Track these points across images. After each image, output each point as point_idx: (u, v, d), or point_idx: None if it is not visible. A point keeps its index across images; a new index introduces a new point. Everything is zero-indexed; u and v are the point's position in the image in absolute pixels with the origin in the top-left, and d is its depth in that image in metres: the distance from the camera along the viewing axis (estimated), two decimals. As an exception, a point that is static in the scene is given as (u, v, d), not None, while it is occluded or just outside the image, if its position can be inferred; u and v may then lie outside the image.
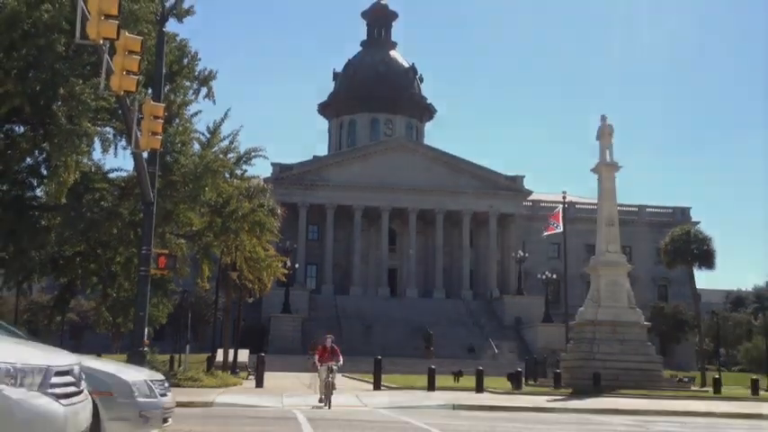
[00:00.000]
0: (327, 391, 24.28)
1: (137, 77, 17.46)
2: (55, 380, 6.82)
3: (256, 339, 75.89)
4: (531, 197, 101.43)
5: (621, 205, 61.30)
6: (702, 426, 22.27)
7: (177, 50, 30.11)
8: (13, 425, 6.33)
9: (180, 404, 15.83)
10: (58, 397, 6.77)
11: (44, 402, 6.60)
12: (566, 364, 43.37)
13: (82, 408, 7.42)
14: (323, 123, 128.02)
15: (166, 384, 11.95)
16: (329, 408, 23.48)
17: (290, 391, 33.86)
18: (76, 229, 29.11)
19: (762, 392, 42.83)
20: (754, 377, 45.53)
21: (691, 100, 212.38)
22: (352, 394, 30.60)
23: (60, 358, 7.19)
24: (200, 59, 31.28)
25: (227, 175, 32.98)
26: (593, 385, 37.05)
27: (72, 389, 7.11)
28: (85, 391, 7.67)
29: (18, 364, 6.56)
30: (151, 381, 11.26)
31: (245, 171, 35.43)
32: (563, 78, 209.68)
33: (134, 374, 11.15)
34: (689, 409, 27.53)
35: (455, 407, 26.74)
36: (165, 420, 11.40)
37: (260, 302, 73.98)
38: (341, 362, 25.75)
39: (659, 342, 79.10)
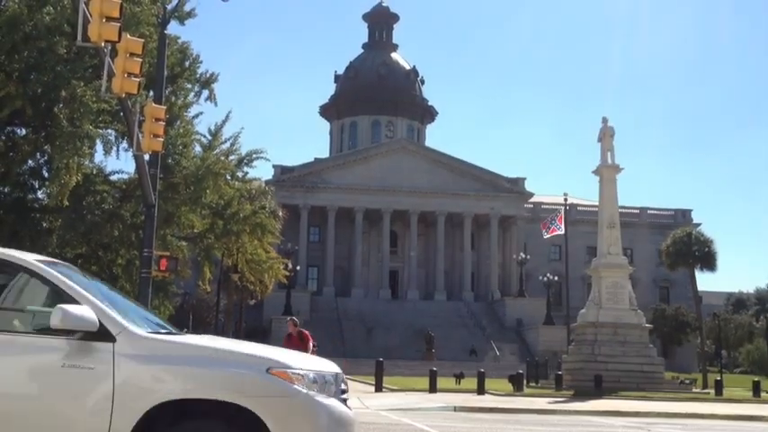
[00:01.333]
0: None
1: (138, 80, 17.45)
2: (342, 386, 7.09)
3: (257, 341, 75.75)
4: (532, 199, 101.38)
5: (623, 207, 61.29)
6: (704, 428, 22.26)
7: (179, 53, 30.11)
8: (321, 429, 6.55)
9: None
10: (345, 402, 7.02)
11: (342, 407, 6.84)
12: (567, 366, 43.37)
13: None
14: (324, 125, 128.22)
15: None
16: None
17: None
18: (78, 232, 29.07)
19: (763, 394, 42.80)
20: (756, 379, 45.49)
21: (692, 102, 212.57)
22: (354, 396, 30.57)
23: (333, 365, 7.41)
24: (201, 62, 31.31)
25: (229, 178, 32.93)
26: (595, 387, 37.05)
27: (348, 395, 7.36)
28: None
29: (319, 371, 6.80)
30: None
31: (247, 173, 35.45)
32: (564, 80, 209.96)
33: None
34: (690, 411, 27.51)
35: (456, 409, 26.74)
36: None
37: (261, 304, 74.03)
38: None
39: (661, 344, 79.07)
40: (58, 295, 6.57)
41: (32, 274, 6.73)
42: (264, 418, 6.29)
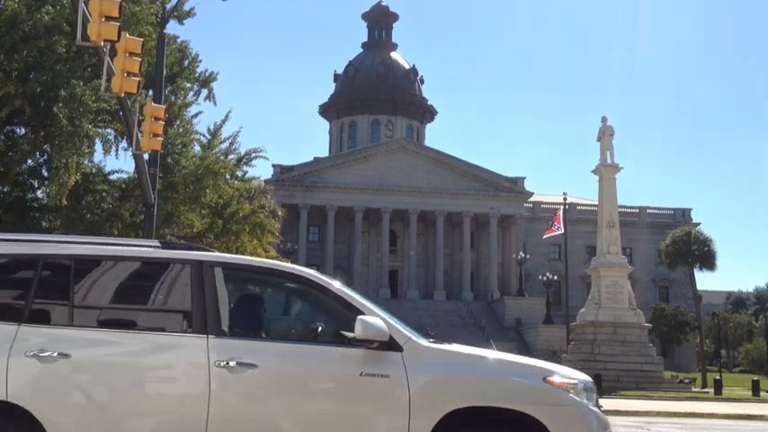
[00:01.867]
0: None
1: (137, 79, 17.45)
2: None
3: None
4: (531, 199, 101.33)
5: (622, 207, 61.37)
6: (703, 427, 22.26)
7: (178, 52, 30.10)
8: None
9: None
10: (600, 408, 7.07)
11: (603, 415, 6.90)
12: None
13: None
14: (324, 125, 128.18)
15: None
16: None
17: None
18: (77, 231, 29.06)
19: (762, 393, 42.84)
20: (755, 378, 45.58)
21: (692, 101, 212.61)
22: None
23: (583, 374, 7.45)
24: (200, 61, 31.31)
25: (228, 177, 32.93)
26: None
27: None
28: None
29: (584, 380, 6.90)
30: None
31: (246, 172, 35.41)
32: (564, 80, 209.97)
33: None
34: (690, 411, 27.53)
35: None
36: None
37: (261, 304, 73.96)
38: None
39: (660, 343, 79.10)
40: (335, 307, 6.92)
41: (314, 286, 6.99)
42: (549, 426, 6.40)
